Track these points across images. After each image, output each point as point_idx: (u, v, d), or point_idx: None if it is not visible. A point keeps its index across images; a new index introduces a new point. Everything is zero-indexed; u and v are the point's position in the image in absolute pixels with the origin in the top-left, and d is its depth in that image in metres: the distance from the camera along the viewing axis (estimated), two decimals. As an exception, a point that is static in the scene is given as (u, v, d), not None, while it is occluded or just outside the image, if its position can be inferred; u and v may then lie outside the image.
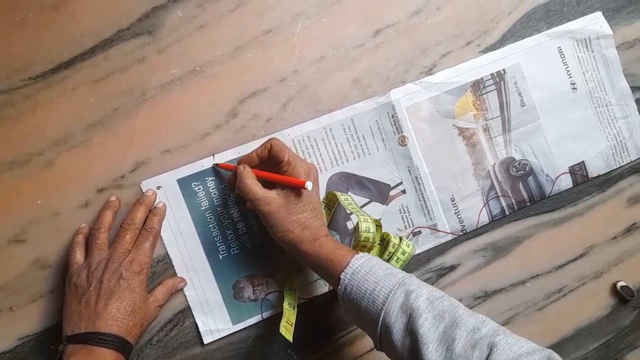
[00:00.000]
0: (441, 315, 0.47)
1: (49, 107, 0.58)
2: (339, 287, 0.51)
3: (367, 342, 0.65)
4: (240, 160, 0.60)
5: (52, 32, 0.58)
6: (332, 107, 0.64)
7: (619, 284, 0.71)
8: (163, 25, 0.60)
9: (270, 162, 0.58)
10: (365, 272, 0.50)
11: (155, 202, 0.60)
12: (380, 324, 0.48)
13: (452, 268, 0.67)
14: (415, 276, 0.52)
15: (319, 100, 0.63)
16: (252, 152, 0.58)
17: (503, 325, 0.67)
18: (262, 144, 0.58)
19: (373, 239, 0.59)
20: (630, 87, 0.70)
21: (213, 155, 0.61)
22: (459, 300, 0.66)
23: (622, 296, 0.70)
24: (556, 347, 0.70)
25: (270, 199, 0.54)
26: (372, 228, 0.59)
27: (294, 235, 0.55)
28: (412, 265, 0.66)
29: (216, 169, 0.62)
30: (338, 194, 0.62)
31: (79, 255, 0.57)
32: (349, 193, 0.64)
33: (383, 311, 0.48)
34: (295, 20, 0.63)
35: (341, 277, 0.51)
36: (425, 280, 0.66)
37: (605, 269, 0.71)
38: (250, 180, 0.55)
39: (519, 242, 0.69)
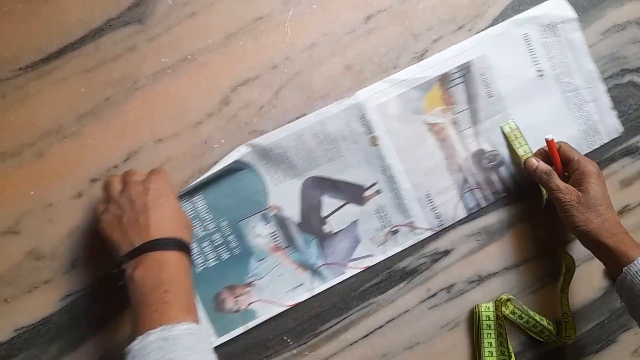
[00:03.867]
0: None
1: (40, 98, 0.60)
2: (619, 279, 0.60)
3: (361, 328, 0.68)
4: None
5: (42, 21, 0.60)
6: (324, 94, 0.66)
7: (612, 266, 0.73)
8: (153, 14, 0.61)
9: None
10: None
11: None
12: None
13: (446, 253, 0.69)
14: None
15: (311, 87, 0.65)
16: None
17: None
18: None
19: None
20: (621, 70, 0.72)
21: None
22: (452, 285, 0.69)
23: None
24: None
25: (571, 189, 0.63)
26: None
27: (595, 225, 0.61)
28: (407, 250, 0.68)
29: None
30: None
31: (101, 205, 0.57)
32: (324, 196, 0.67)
33: None
34: (286, 7, 0.64)
35: (623, 270, 0.59)
36: (420, 266, 0.68)
37: (598, 251, 0.73)
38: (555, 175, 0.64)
39: (512, 226, 0.71)
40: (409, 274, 0.69)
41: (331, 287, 0.67)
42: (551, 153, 0.65)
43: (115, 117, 0.61)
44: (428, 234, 0.69)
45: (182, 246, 0.54)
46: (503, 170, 0.70)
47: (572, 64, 0.71)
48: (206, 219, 0.64)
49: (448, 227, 0.69)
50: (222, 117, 0.64)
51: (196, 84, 0.63)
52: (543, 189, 0.68)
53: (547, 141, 0.65)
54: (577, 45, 0.71)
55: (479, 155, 0.69)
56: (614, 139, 0.73)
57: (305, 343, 0.67)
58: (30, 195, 0.60)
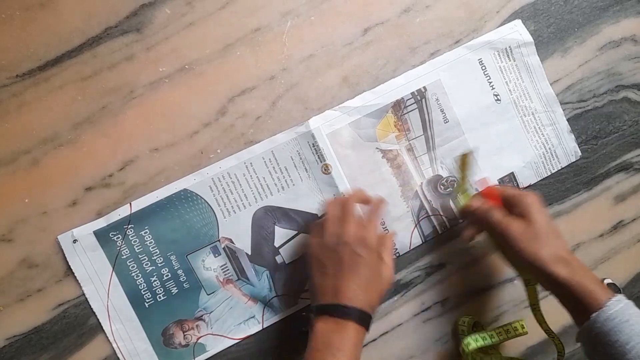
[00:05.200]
0: None
1: (36, 105, 0.60)
2: (586, 326, 0.53)
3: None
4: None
5: (39, 29, 0.60)
6: (321, 106, 0.66)
7: (606, 282, 0.74)
8: (151, 23, 0.62)
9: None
10: (620, 321, 0.52)
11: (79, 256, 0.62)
12: None
13: (441, 266, 0.70)
14: None
15: (308, 98, 0.66)
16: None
17: (491, 322, 0.70)
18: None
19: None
20: (616, 86, 0.73)
21: (130, 204, 0.63)
22: (447, 299, 0.69)
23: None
24: (543, 344, 0.73)
25: (514, 221, 0.59)
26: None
27: (546, 256, 0.56)
28: (401, 263, 0.68)
29: None
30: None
31: (317, 231, 0.60)
32: (276, 226, 0.66)
33: None
34: (284, 18, 0.65)
35: (592, 317, 0.53)
36: (414, 279, 0.69)
37: (592, 266, 0.75)
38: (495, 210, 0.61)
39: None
40: (403, 287, 0.69)
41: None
42: (488, 191, 0.64)
43: (111, 126, 0.62)
44: None
45: (363, 319, 0.55)
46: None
47: (530, 88, 0.71)
48: (153, 253, 0.63)
49: (442, 239, 0.70)
50: (219, 127, 0.64)
51: (193, 93, 0.63)
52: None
53: (482, 181, 0.65)
54: (534, 69, 0.71)
55: (436, 181, 0.69)
56: (607, 156, 0.74)
57: (299, 355, 0.67)
58: (24, 203, 0.60)
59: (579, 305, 0.55)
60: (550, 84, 0.71)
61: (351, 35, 0.67)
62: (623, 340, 0.51)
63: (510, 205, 0.61)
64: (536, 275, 0.59)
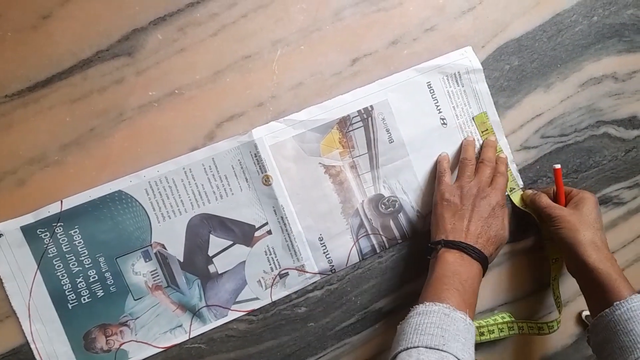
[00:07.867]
0: None
1: (25, 126, 0.61)
2: (608, 311, 0.60)
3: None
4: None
5: (31, 50, 0.61)
6: (309, 133, 0.67)
7: (584, 314, 0.76)
8: (143, 48, 0.63)
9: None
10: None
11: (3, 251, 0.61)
12: None
13: (423, 295, 0.71)
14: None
15: (296, 126, 0.67)
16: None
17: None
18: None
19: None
20: (597, 122, 0.76)
21: (61, 201, 0.63)
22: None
23: (587, 325, 0.75)
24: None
25: (562, 207, 0.68)
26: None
27: (583, 240, 0.64)
28: (382, 291, 0.70)
29: None
30: None
31: (447, 178, 0.68)
32: (211, 235, 0.66)
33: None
34: (274, 47, 0.67)
35: (615, 304, 0.59)
36: (396, 307, 0.70)
37: (571, 298, 0.76)
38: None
39: (489, 270, 0.72)
40: (384, 315, 0.70)
41: (306, 327, 0.68)
42: (556, 181, 0.71)
43: (99, 148, 0.63)
44: (317, 278, 0.69)
45: (484, 262, 0.63)
46: (401, 216, 0.71)
47: (477, 114, 0.73)
48: (81, 253, 0.63)
49: (423, 265, 0.71)
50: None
51: (182, 118, 0.65)
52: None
53: (555, 170, 0.70)
54: (481, 96, 0.72)
55: (377, 200, 0.70)
56: (587, 190, 0.76)
57: None
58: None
59: (601, 292, 0.61)
60: (533, 118, 0.74)
61: (340, 64, 0.69)
62: (638, 331, 0.57)
63: (569, 199, 0.70)
64: (568, 257, 0.67)
